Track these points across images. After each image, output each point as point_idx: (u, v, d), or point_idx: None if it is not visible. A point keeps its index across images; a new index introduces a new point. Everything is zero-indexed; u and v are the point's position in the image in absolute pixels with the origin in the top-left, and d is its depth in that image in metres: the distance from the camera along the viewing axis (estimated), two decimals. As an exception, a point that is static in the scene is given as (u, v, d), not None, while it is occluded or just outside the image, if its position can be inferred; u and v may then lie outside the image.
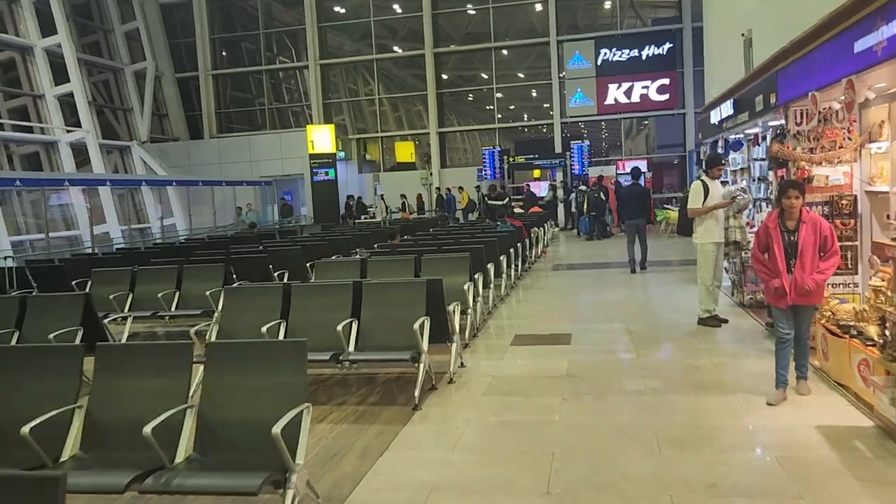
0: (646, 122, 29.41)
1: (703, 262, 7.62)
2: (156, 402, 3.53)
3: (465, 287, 7.32)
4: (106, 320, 7.56)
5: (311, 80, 27.47)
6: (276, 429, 3.17)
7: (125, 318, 8.32)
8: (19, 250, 17.90)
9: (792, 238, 4.91)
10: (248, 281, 9.44)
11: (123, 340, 6.52)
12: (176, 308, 8.33)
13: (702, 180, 7.61)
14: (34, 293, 9.34)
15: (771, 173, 8.51)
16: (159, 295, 8.12)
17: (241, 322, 5.94)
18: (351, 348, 5.67)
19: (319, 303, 5.99)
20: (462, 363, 6.48)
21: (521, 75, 28.57)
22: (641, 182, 12.75)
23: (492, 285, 9.14)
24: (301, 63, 28.21)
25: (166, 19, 28.18)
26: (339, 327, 5.43)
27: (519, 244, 12.25)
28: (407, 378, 6.08)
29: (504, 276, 10.32)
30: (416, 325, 5.36)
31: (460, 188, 25.22)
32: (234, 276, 9.63)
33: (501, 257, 10.21)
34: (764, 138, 9.25)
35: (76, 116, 22.23)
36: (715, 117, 9.99)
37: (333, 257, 11.89)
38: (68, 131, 22.06)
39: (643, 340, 7.27)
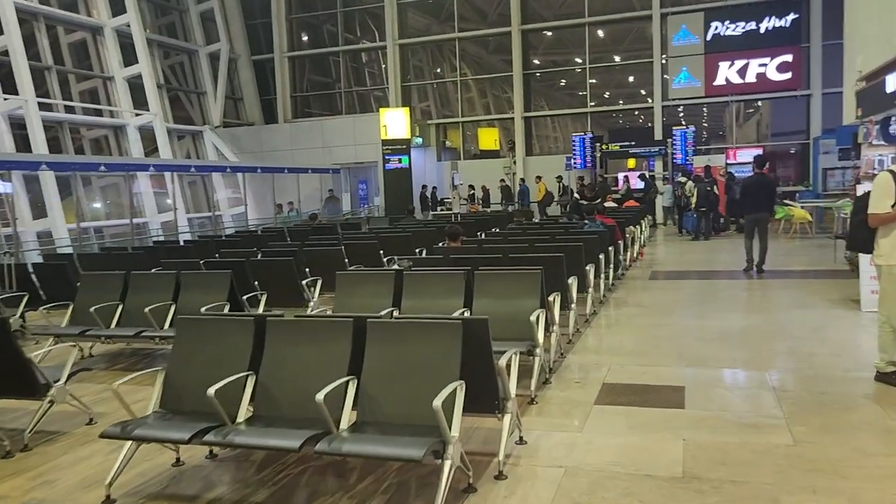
0: (752, 109, 25.99)
1: (892, 291, 5.14)
2: None
3: (534, 318, 5.18)
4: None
5: (390, 60, 25.76)
6: None
7: (108, 338, 6.76)
8: (84, 239, 17.08)
9: None
10: (268, 292, 7.69)
11: (62, 381, 4.82)
12: (170, 325, 6.65)
13: (891, 171, 5.12)
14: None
15: None
16: (146, 309, 6.44)
17: (196, 369, 4.07)
18: (344, 424, 3.68)
19: (305, 349, 4.02)
20: (521, 437, 4.38)
21: (617, 58, 25.84)
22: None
23: (573, 305, 6.95)
24: (379, 43, 26.52)
25: (242, -1, 27.15)
26: (321, 396, 3.43)
27: (611, 248, 9.93)
28: (435, 466, 4.01)
29: (591, 288, 8.09)
30: (438, 402, 3.28)
31: (538, 178, 22.66)
32: (256, 283, 7.89)
33: (588, 266, 7.99)
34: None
35: (150, 100, 21.50)
36: (893, 84, 7.30)
37: (386, 259, 10.08)
38: (136, 114, 21.29)
39: (796, 406, 4.90)
